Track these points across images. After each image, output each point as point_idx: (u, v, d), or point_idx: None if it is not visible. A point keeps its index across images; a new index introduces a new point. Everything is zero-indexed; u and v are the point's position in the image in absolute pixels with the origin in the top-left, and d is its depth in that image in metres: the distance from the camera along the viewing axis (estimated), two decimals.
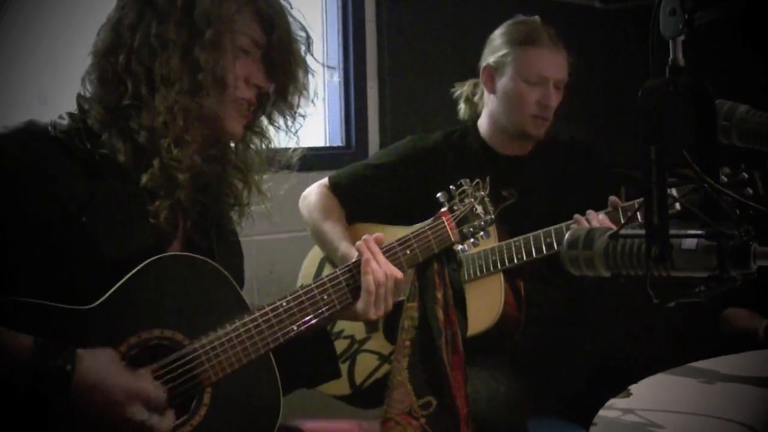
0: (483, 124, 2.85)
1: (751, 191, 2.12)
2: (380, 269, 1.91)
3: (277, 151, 1.97)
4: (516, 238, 2.55)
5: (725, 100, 1.67)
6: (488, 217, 2.12)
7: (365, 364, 2.64)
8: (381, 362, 2.60)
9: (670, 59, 1.37)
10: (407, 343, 2.02)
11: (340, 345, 2.63)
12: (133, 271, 1.68)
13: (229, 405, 1.74)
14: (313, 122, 3.15)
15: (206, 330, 1.73)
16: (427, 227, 2.03)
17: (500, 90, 2.77)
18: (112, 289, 1.66)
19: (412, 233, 2.01)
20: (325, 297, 1.87)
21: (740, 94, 1.74)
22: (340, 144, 3.60)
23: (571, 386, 2.57)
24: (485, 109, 2.84)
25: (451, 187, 2.12)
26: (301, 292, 1.85)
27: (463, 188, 2.12)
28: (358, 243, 1.96)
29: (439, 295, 2.01)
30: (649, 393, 1.68)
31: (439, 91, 3.25)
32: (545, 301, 2.71)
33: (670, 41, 1.37)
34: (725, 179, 2.15)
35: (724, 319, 2.81)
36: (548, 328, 2.71)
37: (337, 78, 3.60)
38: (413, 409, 1.98)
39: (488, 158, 2.81)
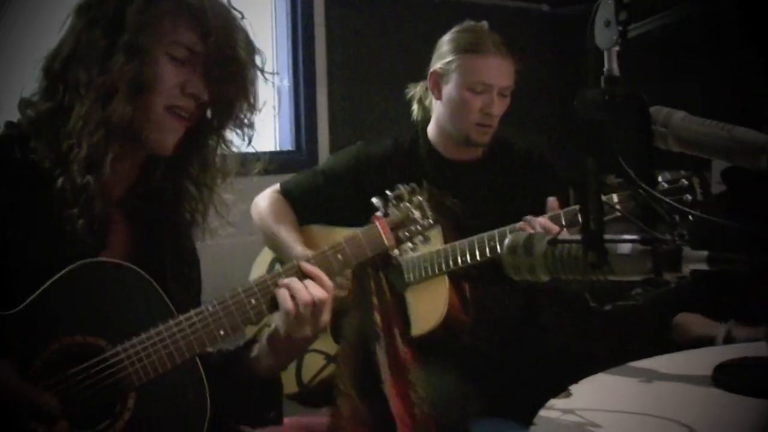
0: (431, 129, 2.88)
1: (690, 197, 2.15)
2: (302, 287, 1.83)
3: (237, 158, 1.93)
4: (461, 241, 2.58)
5: (662, 106, 1.72)
6: (426, 222, 2.08)
7: (312, 363, 2.65)
8: (327, 362, 2.62)
9: (605, 69, 1.41)
10: (347, 350, 2.04)
11: None
12: (55, 277, 1.66)
13: (154, 410, 1.71)
14: (264, 127, 3.15)
15: (130, 336, 1.70)
16: (359, 232, 2.00)
17: (445, 97, 2.79)
18: (33, 296, 1.64)
19: (344, 238, 1.98)
20: (253, 302, 1.80)
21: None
22: (291, 148, 3.63)
23: (517, 386, 2.60)
24: (433, 115, 2.87)
25: (387, 192, 2.10)
26: (227, 296, 1.79)
27: (399, 193, 2.09)
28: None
29: (376, 300, 2.02)
30: (589, 393, 1.71)
31: (389, 95, 3.28)
32: (494, 303, 2.74)
33: (605, 52, 1.41)
34: (665, 185, 2.19)
35: (676, 327, 2.83)
36: (497, 329, 2.73)
37: (287, 82, 3.61)
38: (359, 416, 1.99)
39: (436, 163, 2.84)
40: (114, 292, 1.73)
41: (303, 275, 1.85)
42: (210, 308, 1.76)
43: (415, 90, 2.97)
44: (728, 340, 2.59)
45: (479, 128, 2.76)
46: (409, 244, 2.07)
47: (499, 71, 2.75)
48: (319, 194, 2.83)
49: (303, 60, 3.61)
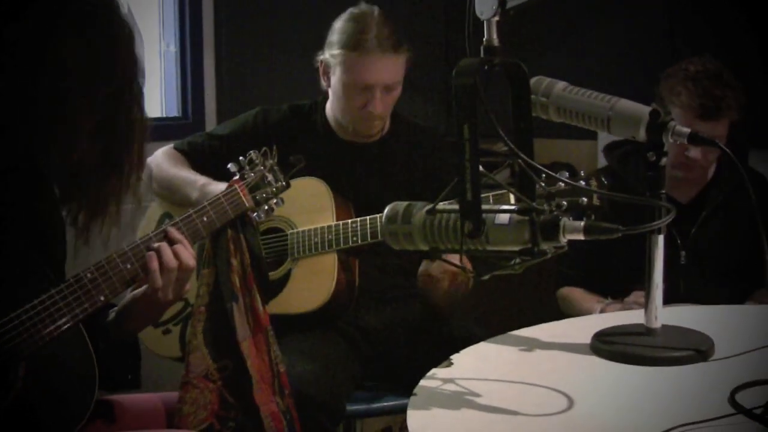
0: (328, 109, 2.80)
1: (585, 200, 2.14)
2: (169, 252, 1.90)
3: None
4: (353, 220, 2.55)
5: (544, 76, 1.73)
6: (280, 184, 2.25)
7: None
8: None
9: (484, 39, 1.41)
10: (202, 309, 2.10)
11: (173, 307, 2.58)
12: None
13: (44, 377, 1.74)
14: (150, 92, 3.09)
15: (15, 307, 1.71)
16: (221, 195, 2.11)
17: (332, 87, 2.70)
18: None
19: (207, 201, 2.08)
20: (129, 266, 1.86)
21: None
22: (177, 114, 3.57)
23: (402, 359, 2.60)
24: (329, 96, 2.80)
25: (240, 158, 2.24)
26: (103, 262, 1.83)
27: (251, 158, 2.24)
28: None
29: (235, 261, 2.10)
30: (471, 362, 1.72)
31: (277, 62, 3.22)
32: (381, 276, 2.72)
33: (485, 22, 1.41)
34: (562, 185, 2.16)
35: (560, 299, 2.87)
36: (383, 303, 2.72)
37: (173, 48, 3.55)
38: (210, 372, 2.07)
39: (331, 142, 2.77)
40: None
41: (171, 240, 1.93)
42: (88, 275, 1.81)
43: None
44: None
45: (365, 122, 2.70)
46: (266, 207, 2.23)
47: (381, 70, 2.62)
48: (212, 157, 2.75)
49: (190, 25, 3.53)
